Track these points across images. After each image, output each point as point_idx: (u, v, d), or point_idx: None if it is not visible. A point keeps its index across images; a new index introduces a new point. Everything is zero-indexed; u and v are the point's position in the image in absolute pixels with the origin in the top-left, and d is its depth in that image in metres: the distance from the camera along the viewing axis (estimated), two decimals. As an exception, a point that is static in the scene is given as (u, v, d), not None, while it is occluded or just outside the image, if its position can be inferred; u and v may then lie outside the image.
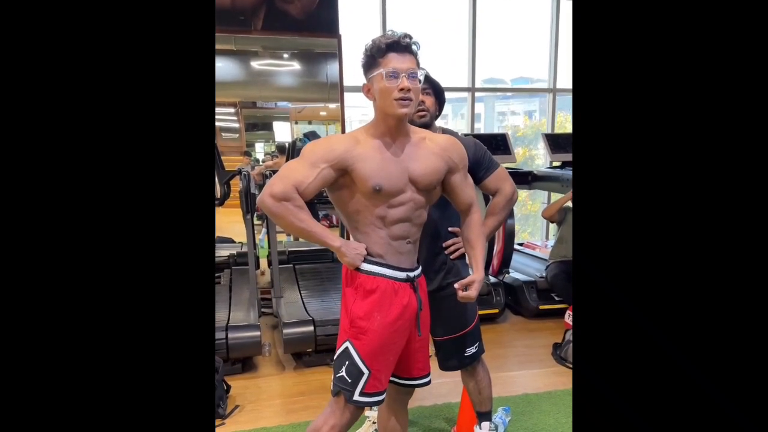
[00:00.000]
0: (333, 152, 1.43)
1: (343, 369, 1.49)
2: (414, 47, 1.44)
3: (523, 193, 6.43)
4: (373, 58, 1.43)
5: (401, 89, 1.39)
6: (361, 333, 1.48)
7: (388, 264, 1.50)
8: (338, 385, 1.50)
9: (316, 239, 1.47)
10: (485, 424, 2.05)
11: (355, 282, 1.51)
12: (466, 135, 4.75)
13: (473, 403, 2.06)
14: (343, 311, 1.55)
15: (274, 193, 1.41)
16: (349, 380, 1.48)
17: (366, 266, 1.50)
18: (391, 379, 1.65)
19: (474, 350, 1.91)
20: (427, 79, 1.76)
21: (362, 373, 1.48)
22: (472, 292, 1.59)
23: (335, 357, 1.53)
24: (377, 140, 1.47)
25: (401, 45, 1.41)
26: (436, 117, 1.83)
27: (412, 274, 1.54)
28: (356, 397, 1.48)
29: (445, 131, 1.81)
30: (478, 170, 1.80)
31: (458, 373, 2.00)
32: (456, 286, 1.60)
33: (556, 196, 5.57)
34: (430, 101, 1.78)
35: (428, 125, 1.77)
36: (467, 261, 1.79)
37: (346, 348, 1.50)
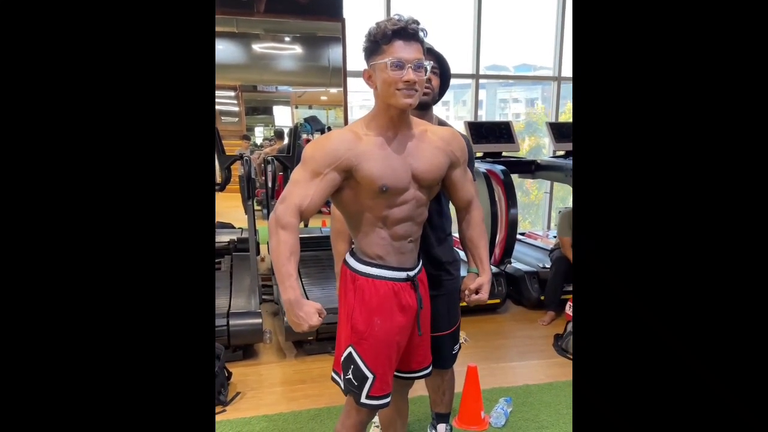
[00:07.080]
0: (335, 153, 1.35)
1: (350, 372, 1.49)
2: (421, 34, 1.35)
3: (526, 182, 6.40)
4: (377, 44, 1.33)
5: (406, 81, 1.31)
6: (362, 339, 1.46)
7: (388, 265, 1.46)
8: (347, 386, 1.50)
9: (278, 279, 1.37)
10: (441, 426, 2.02)
11: (354, 284, 1.47)
12: (469, 123, 4.64)
13: (432, 402, 2.02)
14: (343, 313, 1.51)
15: (278, 219, 1.36)
16: (356, 383, 1.48)
17: (365, 269, 1.46)
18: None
19: (458, 347, 1.88)
20: (438, 59, 1.70)
21: (367, 378, 1.46)
22: (484, 295, 1.57)
23: (342, 359, 1.51)
24: (379, 136, 1.39)
25: (408, 32, 1.32)
26: (437, 100, 1.75)
27: (412, 273, 1.50)
28: (363, 399, 1.48)
29: (441, 123, 1.74)
30: None
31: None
32: (466, 291, 1.58)
33: (559, 186, 5.56)
34: (436, 82, 1.69)
35: (428, 105, 1.70)
36: (467, 258, 1.72)
37: (350, 353, 1.48)
